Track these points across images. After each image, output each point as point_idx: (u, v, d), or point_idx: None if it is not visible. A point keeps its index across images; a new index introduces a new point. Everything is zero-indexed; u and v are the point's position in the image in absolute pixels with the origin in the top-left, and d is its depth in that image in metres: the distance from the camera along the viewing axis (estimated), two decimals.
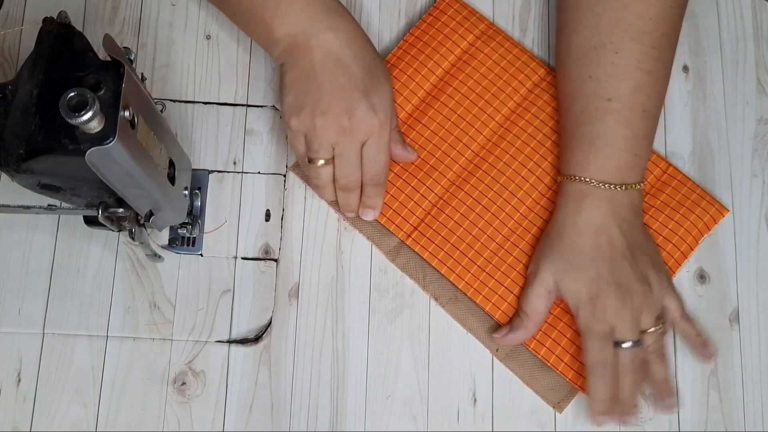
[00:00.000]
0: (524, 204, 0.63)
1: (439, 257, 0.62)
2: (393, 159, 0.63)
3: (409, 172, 0.64)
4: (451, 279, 0.62)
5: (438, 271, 0.62)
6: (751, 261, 0.66)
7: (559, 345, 0.61)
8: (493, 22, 0.69)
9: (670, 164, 0.66)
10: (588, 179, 0.58)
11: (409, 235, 0.63)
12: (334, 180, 0.60)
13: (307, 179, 0.63)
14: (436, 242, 0.63)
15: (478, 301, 0.62)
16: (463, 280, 0.62)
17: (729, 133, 0.69)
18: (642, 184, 0.60)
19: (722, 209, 0.65)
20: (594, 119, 0.59)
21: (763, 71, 0.71)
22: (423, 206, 0.63)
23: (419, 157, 0.64)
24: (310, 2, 0.58)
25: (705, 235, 0.64)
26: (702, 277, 0.65)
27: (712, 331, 0.64)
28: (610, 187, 0.58)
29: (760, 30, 0.72)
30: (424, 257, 0.63)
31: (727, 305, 0.65)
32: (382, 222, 0.63)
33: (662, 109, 0.68)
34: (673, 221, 0.63)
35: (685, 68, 0.70)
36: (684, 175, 0.65)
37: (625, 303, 0.57)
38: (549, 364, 0.61)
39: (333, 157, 0.59)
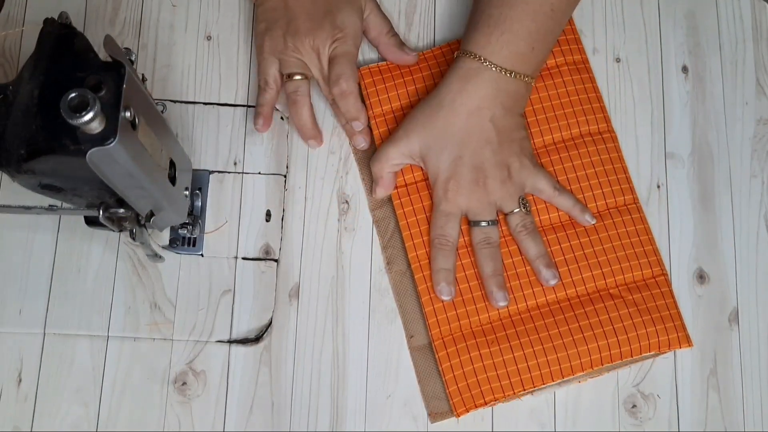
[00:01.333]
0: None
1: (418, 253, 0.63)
2: (393, 62, 0.67)
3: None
4: (416, 277, 0.62)
5: (411, 264, 0.63)
6: (750, 261, 0.66)
7: (459, 357, 0.60)
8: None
9: (665, 274, 0.63)
10: (482, 58, 0.60)
11: (406, 220, 0.63)
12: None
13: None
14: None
15: (422, 299, 0.61)
16: (426, 283, 0.62)
17: (728, 133, 0.69)
18: (531, 80, 0.62)
19: (685, 340, 0.61)
20: (504, 4, 0.61)
21: (763, 72, 0.71)
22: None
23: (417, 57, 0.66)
24: None
25: (653, 352, 0.61)
26: (701, 277, 0.65)
27: (712, 331, 0.64)
28: (500, 71, 0.60)
29: (759, 31, 0.72)
30: (406, 246, 0.63)
31: (726, 305, 0.65)
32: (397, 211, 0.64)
33: (661, 109, 0.69)
34: (632, 321, 0.60)
35: (685, 69, 0.70)
36: (671, 290, 0.63)
37: (477, 186, 0.61)
38: (440, 369, 0.60)
39: (306, 75, 0.64)
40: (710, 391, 0.63)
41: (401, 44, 0.67)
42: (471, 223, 0.62)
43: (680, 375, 0.63)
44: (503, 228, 0.63)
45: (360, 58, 0.68)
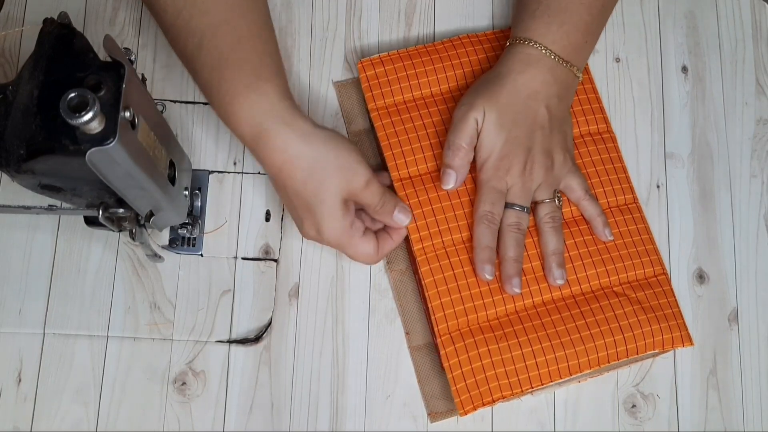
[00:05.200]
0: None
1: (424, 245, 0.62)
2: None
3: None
4: (422, 270, 0.61)
5: (417, 257, 0.62)
6: (750, 261, 0.66)
7: (467, 353, 0.59)
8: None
9: (666, 273, 0.63)
10: (543, 47, 0.61)
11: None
12: None
13: None
14: (433, 242, 0.62)
15: (429, 293, 0.61)
16: (433, 277, 0.61)
17: (728, 133, 0.69)
18: (579, 74, 0.63)
19: (687, 339, 0.61)
20: None
21: (762, 72, 0.71)
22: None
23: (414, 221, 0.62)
24: (265, 104, 0.55)
25: (655, 350, 0.60)
26: (701, 277, 0.65)
27: (712, 331, 0.64)
28: (558, 60, 0.61)
29: (759, 31, 0.72)
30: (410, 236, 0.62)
31: (726, 305, 0.65)
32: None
33: (661, 109, 0.69)
34: (636, 318, 0.60)
35: (684, 69, 0.70)
36: (671, 288, 0.63)
37: (524, 169, 0.60)
38: (447, 365, 0.59)
39: None
40: (710, 391, 0.63)
41: (393, 207, 0.60)
42: (506, 205, 0.61)
43: (680, 375, 0.63)
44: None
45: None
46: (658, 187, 0.67)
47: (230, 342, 0.61)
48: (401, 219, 0.60)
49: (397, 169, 0.64)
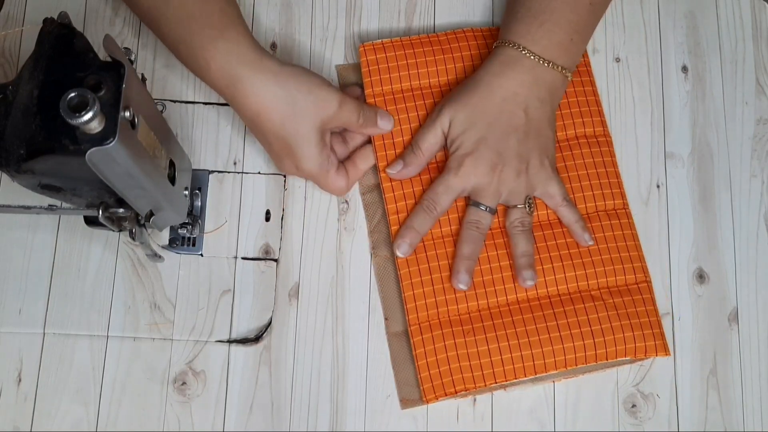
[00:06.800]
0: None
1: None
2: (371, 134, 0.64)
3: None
4: (399, 261, 0.62)
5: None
6: (750, 261, 0.66)
7: (434, 345, 0.59)
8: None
9: (649, 281, 0.63)
10: (522, 47, 0.61)
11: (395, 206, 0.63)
12: None
13: None
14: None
15: (403, 283, 0.61)
16: (408, 268, 0.62)
17: (728, 133, 0.69)
18: (568, 73, 0.62)
19: (661, 348, 0.60)
20: None
21: (762, 72, 0.71)
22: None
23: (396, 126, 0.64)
24: (235, 51, 0.56)
25: (629, 357, 0.60)
26: (701, 277, 0.65)
27: (712, 331, 0.64)
28: (539, 60, 0.60)
29: (759, 31, 0.72)
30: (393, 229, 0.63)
31: (726, 305, 0.65)
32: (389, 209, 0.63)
33: (661, 109, 0.69)
34: (610, 324, 0.60)
35: (684, 68, 0.70)
36: (653, 297, 0.62)
37: (493, 171, 0.60)
38: (414, 354, 0.59)
39: None
40: (710, 391, 0.63)
41: (374, 117, 0.63)
42: (471, 202, 0.62)
43: (680, 375, 0.63)
44: (498, 220, 0.63)
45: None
46: (658, 187, 0.67)
47: (230, 342, 0.61)
48: (385, 125, 0.63)
49: (386, 159, 0.64)
